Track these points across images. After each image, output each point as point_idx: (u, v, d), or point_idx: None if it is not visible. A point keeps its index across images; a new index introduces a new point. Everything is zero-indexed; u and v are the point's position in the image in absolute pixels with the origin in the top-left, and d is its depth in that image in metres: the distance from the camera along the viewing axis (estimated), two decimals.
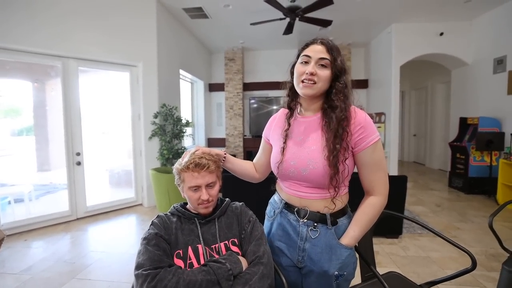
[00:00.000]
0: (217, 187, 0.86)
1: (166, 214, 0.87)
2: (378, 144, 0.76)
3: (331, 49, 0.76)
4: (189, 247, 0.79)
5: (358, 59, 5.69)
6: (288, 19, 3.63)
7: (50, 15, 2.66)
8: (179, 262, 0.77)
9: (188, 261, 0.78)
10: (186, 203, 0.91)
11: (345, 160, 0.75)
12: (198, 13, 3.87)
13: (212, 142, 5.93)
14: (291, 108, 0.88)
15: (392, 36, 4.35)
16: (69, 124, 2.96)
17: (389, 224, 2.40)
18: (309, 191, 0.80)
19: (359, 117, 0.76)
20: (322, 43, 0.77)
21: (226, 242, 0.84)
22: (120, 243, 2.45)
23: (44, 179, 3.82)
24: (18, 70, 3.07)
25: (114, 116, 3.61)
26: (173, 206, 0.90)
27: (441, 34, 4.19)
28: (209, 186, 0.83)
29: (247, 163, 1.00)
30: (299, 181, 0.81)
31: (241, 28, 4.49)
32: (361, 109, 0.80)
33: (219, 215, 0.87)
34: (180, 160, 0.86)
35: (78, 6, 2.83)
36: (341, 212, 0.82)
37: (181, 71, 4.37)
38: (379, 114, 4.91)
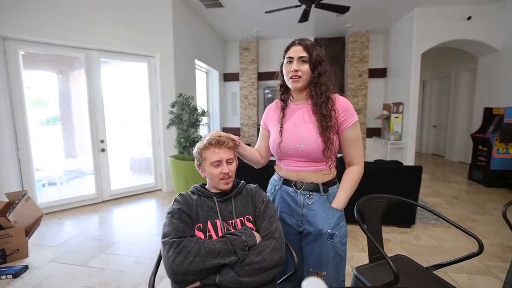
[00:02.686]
0: (234, 164, 0.95)
1: (187, 192, 0.96)
2: (357, 124, 0.95)
3: (307, 47, 0.93)
4: (208, 221, 0.88)
5: (376, 46, 5.49)
6: (303, 6, 3.56)
7: (74, 9, 2.79)
8: (199, 234, 0.86)
9: (207, 233, 0.86)
10: (205, 184, 1.00)
11: (336, 133, 0.93)
12: (213, 2, 3.88)
13: (227, 132, 5.98)
14: (284, 100, 1.04)
15: (414, 22, 4.15)
16: (93, 112, 3.15)
17: (402, 213, 2.40)
18: (305, 165, 0.96)
19: (342, 101, 0.94)
20: (299, 44, 0.94)
21: (242, 218, 0.92)
22: (142, 224, 2.64)
23: (71, 165, 4.11)
24: (44, 62, 3.26)
25: (133, 106, 3.77)
26: (193, 186, 0.98)
27: (469, 18, 3.93)
28: (228, 162, 0.92)
29: (254, 149, 1.15)
30: (296, 157, 0.96)
31: (256, 16, 4.46)
32: (341, 96, 0.97)
33: (235, 195, 0.96)
34: (199, 143, 0.96)
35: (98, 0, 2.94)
36: (331, 182, 0.98)
37: (197, 61, 4.45)
38: (397, 104, 4.76)
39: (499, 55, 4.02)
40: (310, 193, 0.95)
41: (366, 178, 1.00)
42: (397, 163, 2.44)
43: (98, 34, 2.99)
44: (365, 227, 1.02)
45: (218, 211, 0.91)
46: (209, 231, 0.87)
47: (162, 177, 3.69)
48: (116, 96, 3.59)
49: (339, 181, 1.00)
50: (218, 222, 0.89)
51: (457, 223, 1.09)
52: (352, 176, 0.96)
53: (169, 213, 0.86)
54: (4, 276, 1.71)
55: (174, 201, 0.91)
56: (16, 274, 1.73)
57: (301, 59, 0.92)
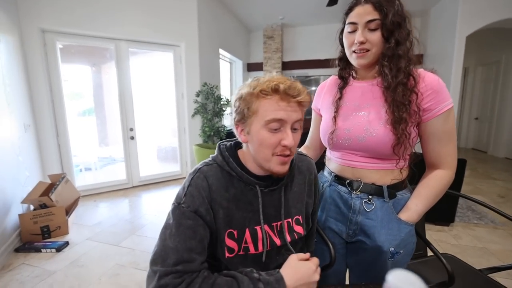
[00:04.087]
0: (300, 133, 0.60)
1: (212, 167, 0.61)
2: (451, 112, 0.67)
3: (380, 4, 0.64)
4: (247, 229, 0.60)
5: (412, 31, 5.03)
6: None
7: (103, 0, 2.87)
8: (231, 244, 0.59)
9: (243, 245, 0.60)
10: (235, 153, 0.64)
11: (415, 126, 0.68)
12: None
13: None
14: (343, 77, 0.80)
15: (459, 0, 3.71)
16: (123, 102, 3.27)
17: (439, 209, 2.20)
18: (365, 160, 0.73)
19: (430, 79, 0.67)
20: (366, 1, 0.66)
21: (290, 220, 0.65)
22: (168, 209, 2.73)
23: (104, 153, 4.38)
24: (79, 54, 3.44)
25: (160, 95, 3.87)
26: (221, 155, 0.62)
27: None
28: (293, 128, 0.58)
29: None
30: (354, 150, 0.74)
31: (280, 2, 4.29)
32: (432, 72, 0.70)
33: (287, 183, 0.65)
34: (240, 88, 0.59)
35: None
36: (400, 185, 0.74)
37: (221, 51, 4.42)
38: None
39: None
40: (370, 197, 0.72)
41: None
42: None
43: (126, 24, 3.06)
44: None
45: (260, 209, 0.61)
46: (246, 242, 0.60)
47: (187, 165, 3.77)
48: (144, 86, 3.70)
49: (412, 183, 0.77)
50: (258, 229, 0.61)
51: (500, 224, 0.94)
52: (436, 182, 0.70)
53: (178, 207, 0.57)
54: (49, 250, 1.86)
55: (189, 186, 0.58)
56: (59, 249, 1.88)
57: (369, 25, 0.66)
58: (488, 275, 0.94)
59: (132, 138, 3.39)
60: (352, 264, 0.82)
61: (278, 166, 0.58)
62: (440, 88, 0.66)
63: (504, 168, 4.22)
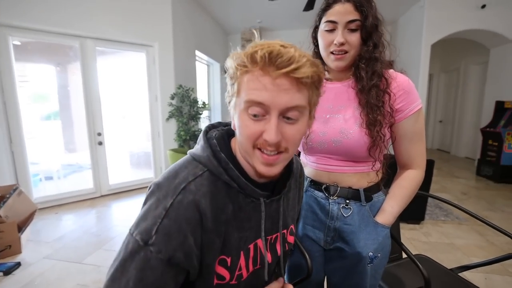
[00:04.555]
0: (301, 126, 0.43)
1: (203, 181, 0.44)
2: (421, 113, 0.68)
3: (361, 4, 0.62)
4: (242, 252, 0.48)
5: None
6: None
7: None
8: (222, 271, 0.47)
9: (236, 273, 0.48)
10: (230, 151, 0.49)
11: (389, 127, 0.68)
12: None
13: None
14: None
15: (425, 11, 3.97)
16: (89, 104, 3.04)
17: (411, 209, 2.28)
18: (341, 164, 0.71)
19: (402, 80, 0.67)
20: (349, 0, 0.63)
21: (285, 231, 0.57)
22: None
23: (70, 159, 4.04)
24: (41, 53, 3.15)
25: (132, 98, 3.66)
26: (215, 158, 0.45)
27: (483, 6, 3.75)
28: (286, 117, 0.41)
29: None
30: (329, 154, 0.72)
31: (258, 5, 4.29)
32: (401, 73, 0.70)
33: (288, 190, 0.56)
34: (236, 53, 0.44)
35: None
36: (376, 187, 0.73)
37: (197, 52, 4.31)
38: None
39: None
40: (347, 201, 0.71)
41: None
42: None
43: (94, 22, 2.85)
44: None
45: (263, 225, 0.49)
46: (240, 269, 0.48)
47: (161, 171, 3.59)
48: (115, 88, 3.48)
49: (387, 186, 0.77)
50: (251, 248, 0.49)
51: (474, 226, 0.98)
52: (409, 182, 0.70)
53: (141, 250, 0.39)
54: None
55: (164, 218, 0.40)
56: (8, 272, 1.65)
57: (350, 25, 0.63)
58: (459, 273, 0.95)
59: (100, 143, 3.15)
60: (330, 272, 0.79)
61: (260, 166, 0.43)
62: (410, 89, 0.67)
63: (465, 167, 4.56)
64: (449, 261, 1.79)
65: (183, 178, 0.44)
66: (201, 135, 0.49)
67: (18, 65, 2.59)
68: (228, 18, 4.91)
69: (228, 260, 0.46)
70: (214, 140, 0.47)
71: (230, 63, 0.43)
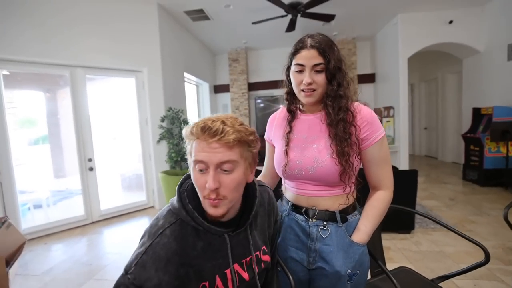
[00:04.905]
0: (236, 175, 0.56)
1: (176, 226, 0.57)
2: (384, 139, 0.77)
3: (324, 50, 0.72)
4: (217, 276, 0.59)
5: (364, 53, 5.60)
6: (290, 16, 3.62)
7: (55, 25, 2.73)
8: None
9: None
10: (197, 201, 0.60)
11: (358, 155, 0.76)
12: (199, 15, 3.91)
13: None
14: (291, 111, 0.86)
15: (398, 27, 4.26)
16: (80, 131, 3.06)
17: (401, 219, 2.36)
18: (317, 188, 0.78)
19: (365, 113, 0.76)
20: (312, 46, 0.72)
21: (258, 253, 0.68)
22: (134, 244, 2.47)
23: (60, 185, 3.97)
24: (30, 81, 3.19)
25: (122, 121, 3.70)
26: (184, 210, 0.58)
27: (450, 22, 4.06)
28: (222, 169, 0.54)
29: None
30: (306, 180, 0.79)
31: (243, 27, 4.51)
32: (364, 105, 0.79)
33: (252, 222, 0.67)
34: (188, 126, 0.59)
35: (81, 14, 2.90)
36: (351, 209, 0.80)
37: (186, 74, 4.43)
38: (388, 108, 4.81)
39: (482, 57, 4.13)
40: (325, 223, 0.77)
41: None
42: (392, 168, 2.42)
43: (83, 50, 2.94)
44: None
45: (230, 254, 0.61)
46: None
47: (154, 193, 3.57)
48: (105, 113, 3.52)
49: (361, 205, 0.83)
50: (228, 272, 0.61)
51: (462, 231, 1.05)
52: (379, 202, 0.78)
53: (122, 278, 0.52)
54: None
55: (143, 254, 0.53)
56: None
57: (315, 68, 0.73)
58: (439, 283, 1.00)
59: (91, 169, 3.14)
60: None
61: (210, 209, 0.56)
62: (373, 120, 0.76)
63: (452, 172, 4.70)
64: (439, 270, 1.83)
65: (161, 226, 0.58)
66: (176, 188, 0.62)
67: (6, 93, 2.61)
68: (215, 40, 5.11)
69: (206, 284, 0.58)
70: (185, 193, 0.61)
71: (187, 129, 0.57)
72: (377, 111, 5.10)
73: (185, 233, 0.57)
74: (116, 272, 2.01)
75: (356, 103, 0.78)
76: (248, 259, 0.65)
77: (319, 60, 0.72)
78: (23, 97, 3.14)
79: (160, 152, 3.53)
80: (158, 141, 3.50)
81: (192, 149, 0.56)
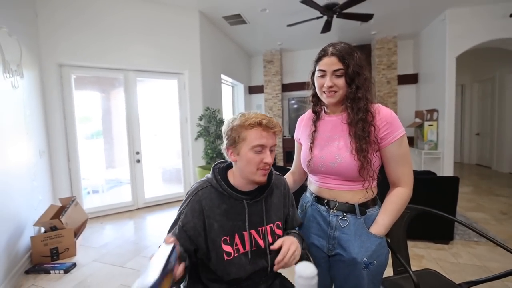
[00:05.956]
0: (274, 154, 0.81)
1: (206, 190, 0.80)
2: (404, 139, 0.81)
3: (343, 57, 0.79)
4: (236, 234, 0.78)
5: (405, 52, 5.27)
6: (325, 17, 3.62)
7: (111, 34, 3.14)
8: (227, 248, 0.77)
9: (235, 247, 0.78)
10: (225, 175, 0.84)
11: (375, 152, 0.82)
12: (237, 19, 4.12)
13: None
14: (316, 112, 0.95)
15: (447, 24, 3.94)
16: (130, 126, 3.48)
17: (438, 227, 2.23)
18: (338, 183, 0.86)
19: (385, 113, 0.82)
20: (333, 54, 0.80)
21: (272, 225, 0.84)
22: None
23: (111, 175, 4.54)
24: (91, 83, 3.73)
25: (165, 120, 4.09)
26: (215, 179, 0.81)
27: (511, 15, 3.63)
28: (271, 150, 0.78)
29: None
30: (329, 174, 0.87)
31: (278, 30, 4.61)
32: (386, 106, 0.85)
33: (267, 195, 0.85)
34: (235, 120, 0.78)
35: (131, 24, 3.28)
36: (371, 203, 0.86)
37: (223, 76, 4.69)
38: (431, 111, 4.47)
39: None
40: (344, 214, 0.84)
41: (380, 183, 0.88)
42: (430, 174, 2.30)
43: (134, 56, 3.34)
44: (388, 239, 1.00)
45: (247, 219, 0.80)
46: (237, 244, 0.79)
47: (190, 186, 3.87)
48: (150, 111, 3.93)
49: (381, 201, 0.88)
50: (246, 234, 0.79)
51: (501, 242, 1.01)
52: (398, 198, 0.82)
53: (175, 223, 0.81)
54: (58, 271, 1.94)
55: (186, 207, 0.79)
56: (67, 270, 1.96)
57: (335, 73, 0.81)
58: None
59: (138, 161, 3.55)
60: (334, 276, 0.91)
61: (261, 177, 0.78)
62: (393, 120, 0.81)
63: (508, 184, 4.18)
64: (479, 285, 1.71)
65: (196, 188, 0.82)
66: (212, 167, 0.87)
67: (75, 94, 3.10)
68: (250, 42, 5.29)
69: (227, 238, 0.78)
70: (217, 170, 0.85)
71: (238, 123, 0.77)
72: (418, 114, 4.77)
73: (213, 196, 0.80)
74: None
75: (377, 105, 0.85)
76: (263, 228, 0.82)
77: (338, 66, 0.80)
78: (83, 96, 3.69)
79: (197, 149, 3.83)
80: (196, 138, 3.79)
81: (246, 137, 0.76)
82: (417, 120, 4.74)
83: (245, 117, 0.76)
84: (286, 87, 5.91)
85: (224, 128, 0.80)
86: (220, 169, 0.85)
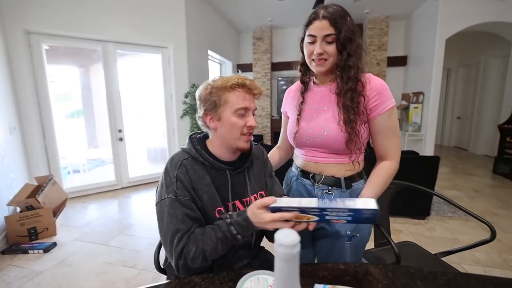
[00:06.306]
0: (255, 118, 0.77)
1: (188, 161, 0.71)
2: (394, 110, 0.79)
3: (335, 21, 0.74)
4: (229, 204, 0.74)
5: (397, 33, 5.20)
6: None
7: (89, 1, 2.87)
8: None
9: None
10: (204, 145, 0.76)
11: (364, 124, 0.79)
12: None
13: None
14: (304, 82, 0.89)
15: (440, 4, 3.88)
16: (111, 103, 3.29)
17: (416, 204, 2.33)
18: (325, 155, 0.83)
19: (375, 82, 0.78)
20: (324, 17, 0.75)
21: (255, 195, 0.80)
22: None
23: (93, 155, 4.37)
24: (67, 56, 3.44)
25: (149, 97, 3.90)
26: (194, 148, 0.73)
27: None
28: (253, 113, 0.75)
29: (272, 155, 1.05)
30: (315, 147, 0.84)
31: (269, 4, 4.37)
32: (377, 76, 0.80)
33: (248, 166, 0.80)
34: (213, 82, 0.71)
35: None
36: (357, 176, 0.84)
37: (210, 52, 4.47)
38: (417, 94, 4.53)
39: None
40: (330, 188, 0.82)
41: (367, 158, 0.87)
42: (413, 153, 2.36)
43: (114, 26, 3.08)
44: None
45: (230, 190, 0.74)
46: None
47: (168, 160, 3.80)
48: (133, 88, 3.72)
49: (367, 175, 0.86)
50: (229, 205, 0.74)
51: (471, 211, 1.05)
52: (383, 171, 0.80)
53: (175, 201, 0.67)
54: (37, 251, 1.88)
55: (177, 182, 0.68)
56: (46, 250, 1.91)
57: (326, 38, 0.75)
58: (441, 258, 1.03)
59: (121, 139, 3.41)
60: (317, 250, 0.91)
61: (244, 143, 0.74)
62: (383, 90, 0.77)
63: (482, 165, 4.43)
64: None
65: (178, 159, 0.73)
66: (187, 137, 0.79)
67: (48, 67, 2.86)
68: (239, 17, 5.02)
69: (222, 209, 0.72)
70: (195, 139, 0.77)
71: (219, 84, 0.70)
72: (405, 96, 4.83)
73: (196, 167, 0.72)
74: (142, 230, 2.27)
75: (368, 74, 0.80)
76: (247, 199, 0.77)
77: (330, 30, 0.74)
78: (60, 72, 3.41)
79: (183, 127, 3.71)
80: (182, 116, 3.66)
81: (228, 99, 0.70)
82: (404, 102, 4.81)
83: (225, 78, 0.70)
84: (275, 66, 5.75)
85: (201, 92, 0.72)
86: (198, 139, 0.78)
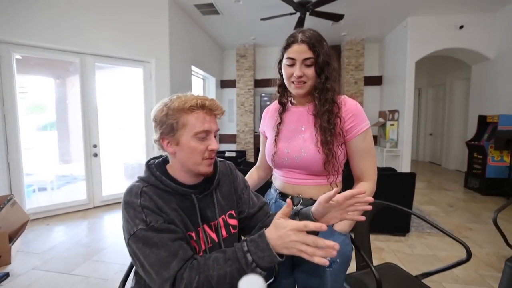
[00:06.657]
0: (218, 140, 0.72)
1: (148, 189, 0.63)
2: (369, 132, 0.79)
3: (313, 45, 0.75)
4: (199, 229, 0.67)
5: (372, 55, 5.55)
6: (298, 14, 3.62)
7: (69, 12, 2.80)
8: (193, 244, 0.66)
9: (197, 245, 0.66)
10: (165, 170, 0.69)
11: (341, 145, 0.79)
12: (209, 9, 3.94)
13: (223, 138, 6.03)
14: (282, 103, 0.89)
15: (408, 30, 4.22)
16: (87, 116, 3.13)
17: (396, 221, 2.37)
18: (303, 177, 0.82)
19: (350, 104, 0.79)
20: (303, 41, 0.76)
21: (224, 216, 0.74)
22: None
23: (65, 171, 4.08)
24: (42, 66, 3.27)
25: (129, 111, 3.77)
26: (153, 175, 0.65)
27: (461, 27, 4.00)
28: (215, 135, 0.69)
29: (251, 175, 1.02)
30: (293, 168, 0.83)
31: (252, 24, 4.52)
32: (352, 98, 0.82)
33: (215, 186, 0.74)
34: (165, 104, 0.64)
35: (92, 1, 2.95)
36: None
37: (193, 67, 4.48)
38: (393, 112, 4.78)
39: (492, 64, 4.07)
40: None
41: (345, 178, 0.87)
42: (391, 170, 2.42)
43: (94, 38, 3.00)
44: (352, 234, 0.99)
45: (198, 213, 0.67)
46: (199, 243, 0.67)
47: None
48: (112, 102, 3.58)
49: None
50: (200, 231, 0.67)
51: (449, 231, 1.06)
52: None
53: (149, 229, 0.57)
54: None
55: (143, 209, 0.59)
56: None
57: (305, 62, 0.76)
58: (422, 280, 1.02)
59: (96, 155, 3.22)
60: (297, 276, 0.86)
61: (206, 168, 0.67)
62: (358, 112, 0.78)
63: (454, 180, 4.66)
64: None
65: (137, 188, 0.63)
66: (145, 164, 0.70)
67: (18, 77, 2.69)
68: (223, 35, 5.13)
69: (193, 234, 0.66)
70: (152, 165, 0.69)
71: (176, 105, 0.62)
72: (382, 114, 5.07)
73: (157, 193, 0.64)
74: (113, 255, 2.08)
75: (343, 96, 0.81)
76: (215, 222, 0.71)
77: (309, 54, 0.76)
78: (34, 82, 3.22)
79: None
80: None
81: (186, 122, 0.63)
82: (381, 119, 5.04)
83: (183, 99, 0.63)
84: (258, 83, 5.86)
85: (156, 114, 0.65)
86: (156, 164, 0.70)
